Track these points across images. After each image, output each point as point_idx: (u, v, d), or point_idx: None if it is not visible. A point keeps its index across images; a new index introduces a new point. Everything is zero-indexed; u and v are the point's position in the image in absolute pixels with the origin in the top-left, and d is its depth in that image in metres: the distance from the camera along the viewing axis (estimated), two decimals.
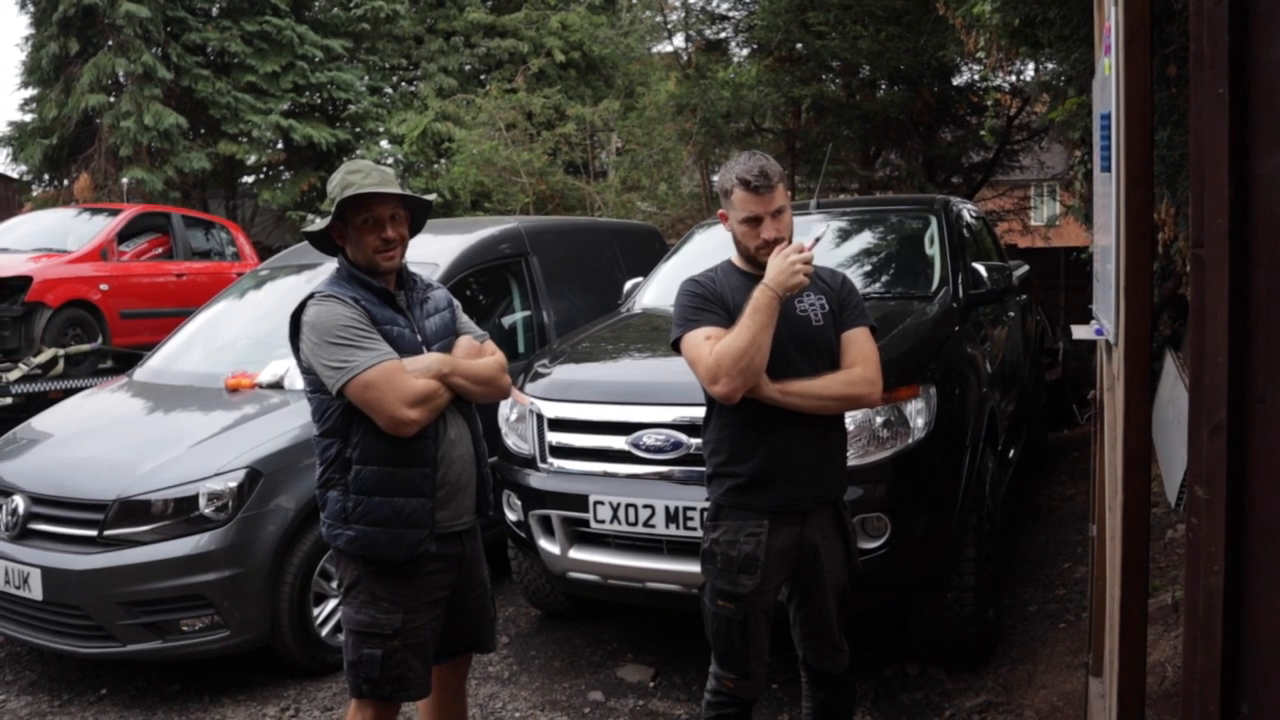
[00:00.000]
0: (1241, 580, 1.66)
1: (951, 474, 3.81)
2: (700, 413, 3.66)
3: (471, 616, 2.90)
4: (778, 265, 2.60)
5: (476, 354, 2.82)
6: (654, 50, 16.36)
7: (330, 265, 3.01)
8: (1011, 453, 5.61)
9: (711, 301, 2.74)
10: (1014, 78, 11.29)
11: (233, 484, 4.04)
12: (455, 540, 2.77)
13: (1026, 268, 8.08)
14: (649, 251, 7.73)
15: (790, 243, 2.72)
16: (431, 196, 2.94)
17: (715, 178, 15.58)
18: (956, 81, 11.63)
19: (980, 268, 4.95)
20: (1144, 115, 1.80)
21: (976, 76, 11.60)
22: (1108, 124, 2.03)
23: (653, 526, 3.74)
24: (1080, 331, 2.50)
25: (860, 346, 2.77)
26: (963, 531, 3.85)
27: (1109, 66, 2.01)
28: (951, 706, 3.77)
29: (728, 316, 2.70)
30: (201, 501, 3.98)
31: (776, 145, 12.27)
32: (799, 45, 11.04)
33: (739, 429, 2.74)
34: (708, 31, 12.99)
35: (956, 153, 11.74)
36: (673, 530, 3.70)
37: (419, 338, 2.73)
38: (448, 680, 2.98)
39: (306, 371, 2.69)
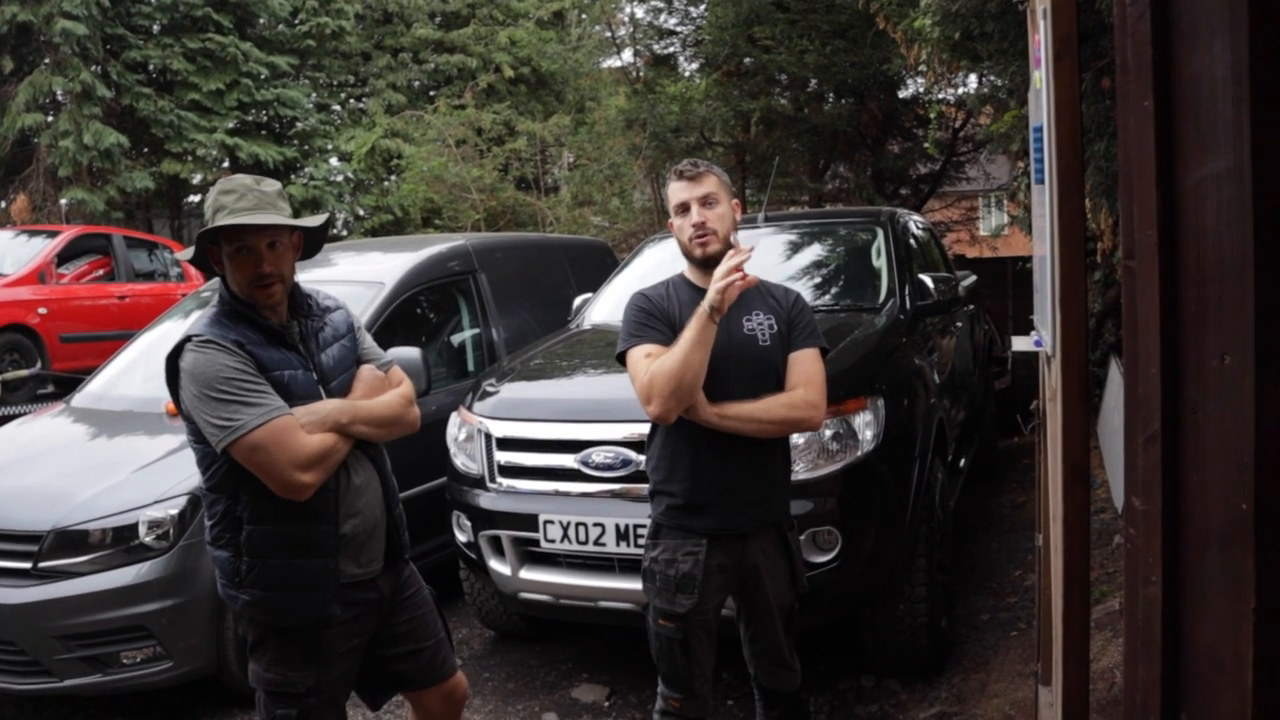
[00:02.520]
0: (1179, 589, 1.67)
1: (901, 485, 3.82)
2: (650, 428, 3.69)
3: (416, 645, 2.65)
4: (712, 281, 2.54)
5: (380, 387, 2.54)
6: (603, 65, 16.39)
7: None
8: (962, 462, 5.66)
9: (656, 317, 2.72)
10: (956, 90, 11.50)
11: (174, 511, 3.94)
12: (368, 586, 2.51)
13: (974, 278, 8.18)
14: (599, 267, 7.71)
15: (717, 237, 2.70)
16: (322, 218, 2.66)
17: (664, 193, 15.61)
18: (902, 94, 11.78)
19: (927, 279, 4.99)
20: (1074, 128, 1.81)
21: (921, 89, 11.75)
22: (1041, 136, 2.05)
23: (603, 545, 3.70)
24: (1020, 343, 2.53)
25: (805, 368, 2.74)
26: (914, 542, 3.86)
27: (1039, 80, 2.03)
28: (906, 717, 3.78)
29: (672, 333, 2.69)
30: (141, 530, 3.88)
31: (726, 159, 12.33)
32: (747, 59, 11.12)
33: (678, 448, 2.72)
34: (656, 46, 13.04)
35: (904, 164, 11.88)
36: (624, 548, 3.67)
37: (314, 376, 2.44)
38: (436, 710, 2.78)
39: (187, 419, 2.37)
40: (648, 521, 3.56)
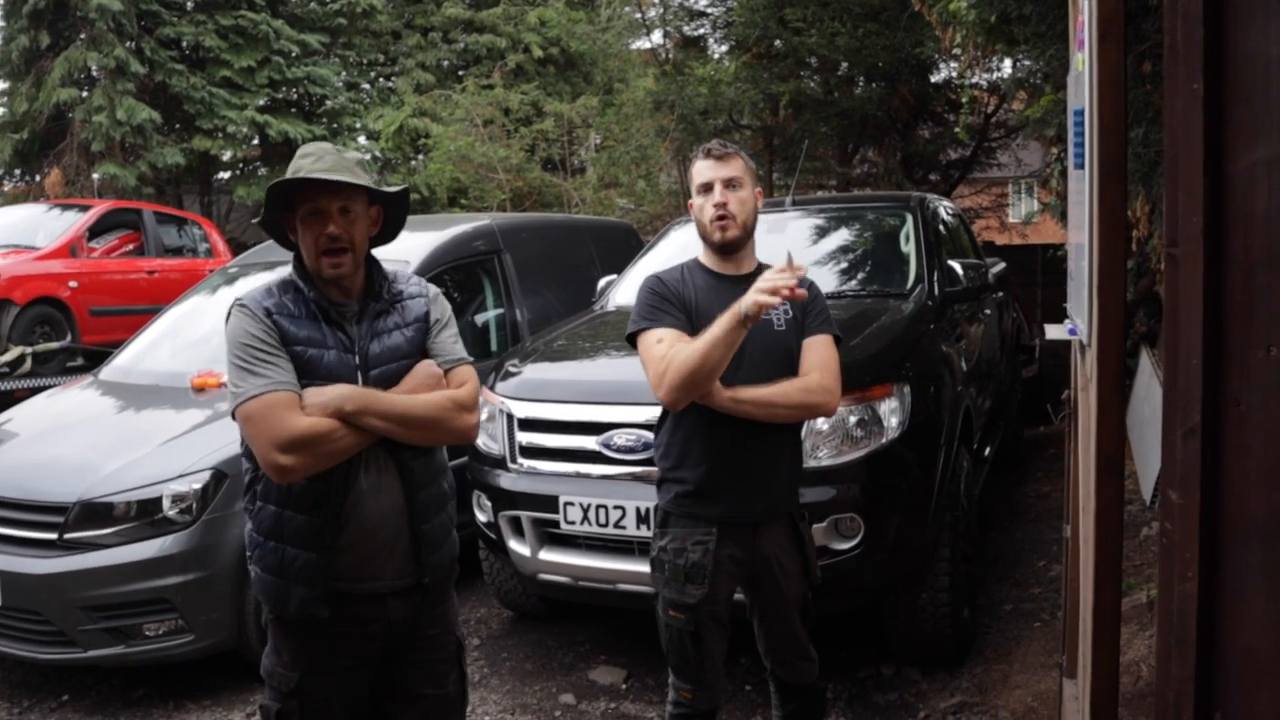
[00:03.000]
0: (1215, 586, 1.63)
1: (926, 473, 3.77)
2: None
3: (417, 691, 2.41)
4: (756, 287, 2.42)
5: (431, 385, 2.31)
6: (632, 46, 16.29)
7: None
8: (987, 450, 5.60)
9: (670, 301, 2.68)
10: (990, 75, 11.33)
11: (197, 485, 3.96)
12: (373, 602, 2.31)
13: (1003, 265, 8.07)
14: (624, 249, 7.67)
15: (736, 224, 2.65)
16: (401, 187, 2.48)
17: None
18: (934, 78, 11.62)
19: (956, 265, 4.93)
20: (1117, 111, 1.76)
21: (954, 74, 11.59)
22: (1081, 120, 2.00)
23: (623, 528, 3.69)
24: (1054, 331, 2.48)
25: (819, 353, 2.69)
26: (937, 531, 3.82)
27: (1082, 62, 1.97)
28: (926, 707, 3.74)
29: (687, 318, 2.65)
30: (165, 503, 3.90)
31: (754, 142, 12.22)
32: (777, 42, 10.99)
33: (689, 434, 2.67)
34: (686, 28, 12.92)
35: (934, 150, 11.73)
36: (644, 531, 3.64)
37: (354, 360, 2.28)
38: None
39: None
40: None
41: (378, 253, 2.43)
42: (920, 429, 3.74)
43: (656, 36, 13.30)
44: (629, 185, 15.28)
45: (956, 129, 9.66)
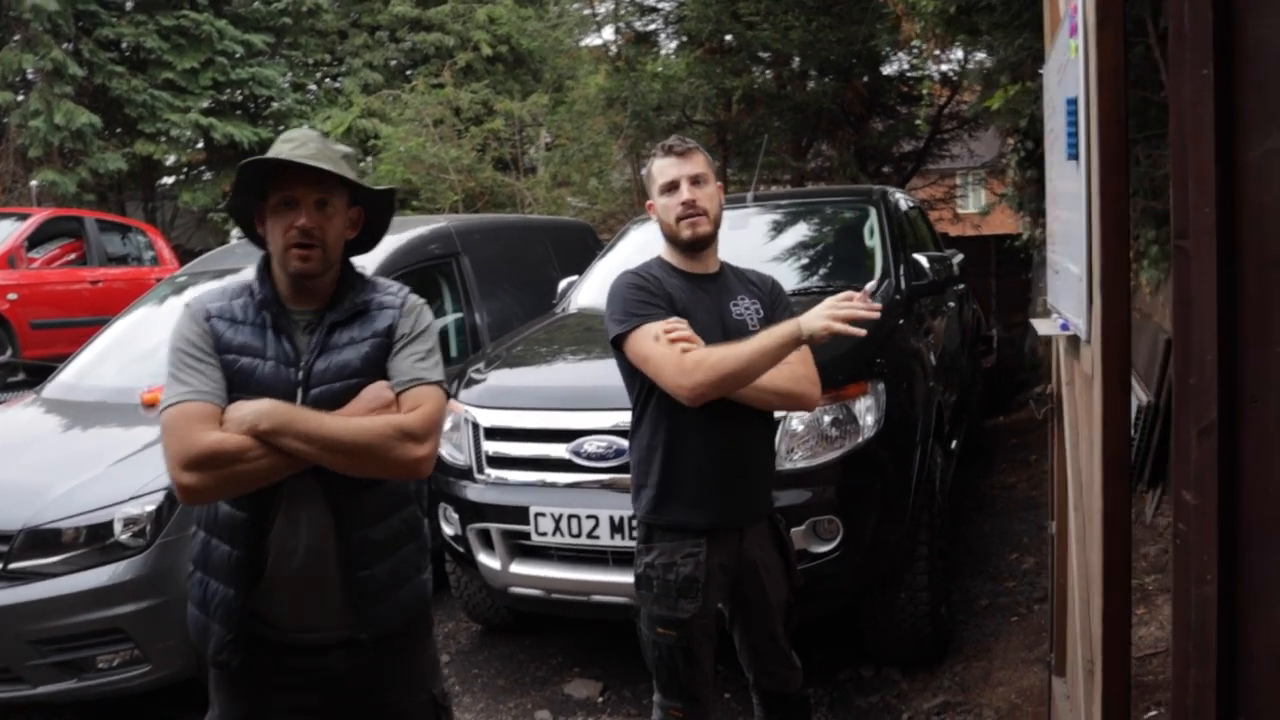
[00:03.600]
0: (1234, 589, 1.57)
1: (902, 472, 3.72)
2: None
3: None
4: (819, 309, 2.32)
5: (376, 407, 2.02)
6: (583, 43, 16.15)
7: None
8: (954, 444, 5.58)
9: (658, 296, 2.57)
10: (944, 67, 11.39)
11: (150, 508, 3.78)
12: (308, 654, 2.07)
13: (962, 256, 8.10)
14: (582, 248, 7.58)
15: (708, 219, 2.58)
16: (388, 186, 2.25)
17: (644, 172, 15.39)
18: (887, 71, 11.64)
19: (922, 258, 4.89)
20: (1118, 99, 1.69)
21: (907, 66, 11.63)
22: (1074, 109, 1.93)
23: (597, 538, 3.59)
24: (1044, 327, 2.41)
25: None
26: (915, 529, 3.77)
27: (1075, 49, 1.91)
28: (909, 709, 3.69)
29: (674, 313, 2.55)
30: (117, 527, 3.72)
31: (708, 137, 12.16)
32: (728, 36, 10.94)
33: (669, 439, 2.56)
34: (637, 23, 12.83)
35: (888, 142, 11.75)
36: (618, 541, 3.55)
37: (297, 374, 2.03)
38: None
39: None
40: None
41: None
42: (896, 426, 3.68)
43: (608, 33, 13.18)
44: (581, 184, 15.14)
45: (917, 120, 9.68)
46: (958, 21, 5.32)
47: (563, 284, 5.66)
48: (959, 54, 10.76)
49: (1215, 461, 1.55)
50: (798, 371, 2.54)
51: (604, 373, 3.92)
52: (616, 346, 2.59)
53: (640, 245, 5.69)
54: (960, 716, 3.58)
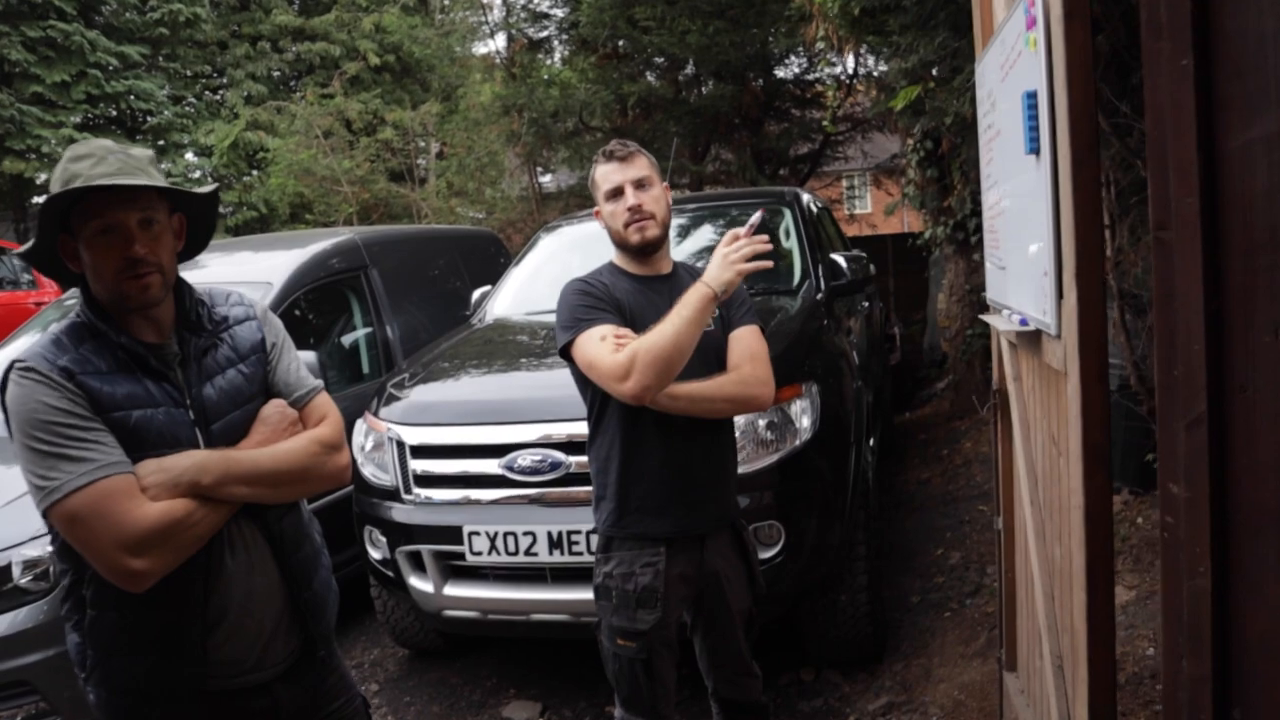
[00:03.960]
0: (1226, 579, 1.57)
1: (839, 472, 3.71)
2: (578, 428, 3.46)
3: None
4: (716, 260, 2.34)
5: (288, 429, 1.93)
6: (474, 51, 15.92)
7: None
8: (872, 441, 5.63)
9: (605, 301, 2.49)
10: (837, 70, 11.59)
11: (52, 547, 3.48)
12: (257, 695, 1.96)
13: (865, 255, 8.23)
14: (489, 258, 7.44)
15: (655, 221, 2.52)
16: (210, 186, 2.00)
17: (546, 179, 15.31)
18: (781, 74, 11.77)
19: (839, 258, 4.91)
20: (1087, 92, 1.68)
21: (799, 69, 11.78)
22: (1034, 102, 1.92)
23: (535, 555, 3.47)
24: (999, 322, 2.41)
25: (748, 344, 2.56)
26: (854, 530, 3.76)
27: (1033, 42, 1.89)
28: (854, 710, 3.68)
29: (624, 319, 2.47)
30: (15, 571, 3.43)
31: (605, 143, 12.09)
32: (622, 42, 10.91)
33: (628, 448, 2.49)
34: (530, 30, 12.69)
35: (785, 145, 11.89)
36: (557, 557, 3.45)
37: (188, 415, 1.85)
38: None
39: None
40: (582, 527, 3.40)
41: (244, 273, 2.04)
42: (830, 427, 3.66)
43: (499, 40, 13.00)
44: (476, 193, 14.92)
45: (824, 122, 9.80)
46: (862, 23, 5.36)
47: (476, 294, 5.53)
48: (853, 58, 10.99)
49: (1205, 452, 1.54)
50: (745, 375, 2.49)
51: (533, 384, 3.86)
52: (565, 356, 2.49)
53: (549, 253, 5.61)
54: (905, 716, 3.58)
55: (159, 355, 1.86)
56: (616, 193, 2.50)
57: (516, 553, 3.48)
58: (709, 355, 2.51)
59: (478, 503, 3.58)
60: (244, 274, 5.08)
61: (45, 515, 1.73)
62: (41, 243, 1.82)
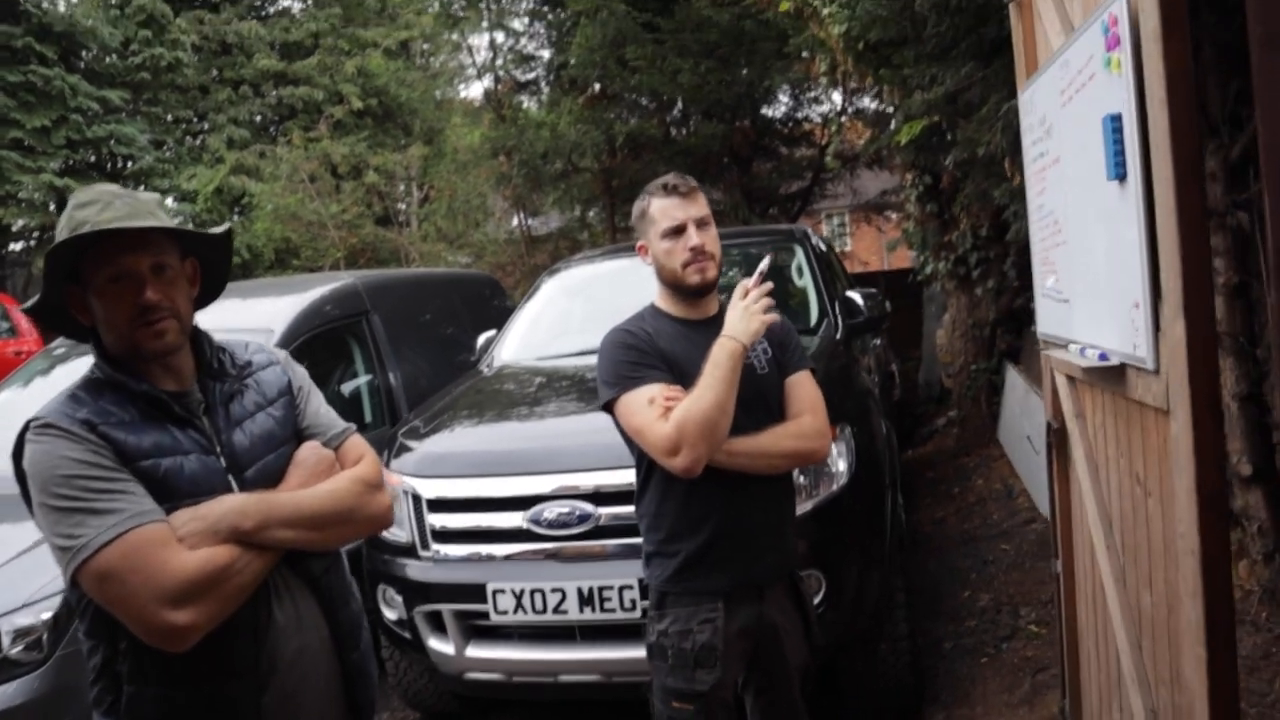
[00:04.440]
0: None
1: (876, 517, 3.57)
2: (610, 478, 3.32)
3: None
4: (737, 313, 2.27)
5: (325, 471, 1.84)
6: (461, 94, 15.92)
7: None
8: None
9: (650, 354, 2.35)
10: (824, 108, 11.61)
11: (47, 614, 3.29)
12: None
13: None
14: (489, 302, 7.31)
15: (715, 263, 2.42)
16: (223, 227, 1.93)
17: (533, 221, 15.20)
18: (770, 113, 11.78)
19: (856, 296, 4.81)
20: (1190, 111, 1.57)
21: (787, 108, 11.78)
22: (1118, 126, 1.81)
23: (565, 612, 3.29)
24: (1064, 357, 2.27)
25: (807, 393, 2.46)
26: (892, 576, 3.61)
27: (1117, 63, 1.79)
28: None
29: (670, 372, 2.33)
30: (5, 641, 3.22)
31: (595, 184, 12.07)
32: (612, 82, 10.89)
33: (683, 499, 2.36)
34: (516, 72, 12.67)
35: (776, 183, 11.87)
36: (587, 614, 3.27)
37: (220, 462, 1.76)
38: None
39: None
40: (615, 581, 3.24)
41: (244, 320, 1.93)
42: (866, 470, 3.52)
43: (487, 82, 12.96)
44: (465, 236, 14.81)
45: (827, 158, 9.77)
46: (866, 57, 5.30)
47: (481, 339, 5.39)
48: (842, 95, 11.01)
49: None
50: (804, 427, 2.39)
51: (556, 432, 3.71)
52: (608, 412, 2.35)
53: (557, 296, 5.49)
54: None
55: (182, 403, 1.76)
56: (677, 230, 2.36)
57: (545, 610, 3.30)
58: (761, 400, 2.38)
59: (501, 558, 3.41)
60: (243, 321, 4.90)
61: (74, 581, 1.59)
62: (49, 295, 1.74)
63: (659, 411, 2.21)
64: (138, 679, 1.67)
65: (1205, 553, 1.61)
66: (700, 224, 2.37)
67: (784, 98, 11.75)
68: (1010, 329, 7.75)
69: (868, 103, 9.38)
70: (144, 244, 1.69)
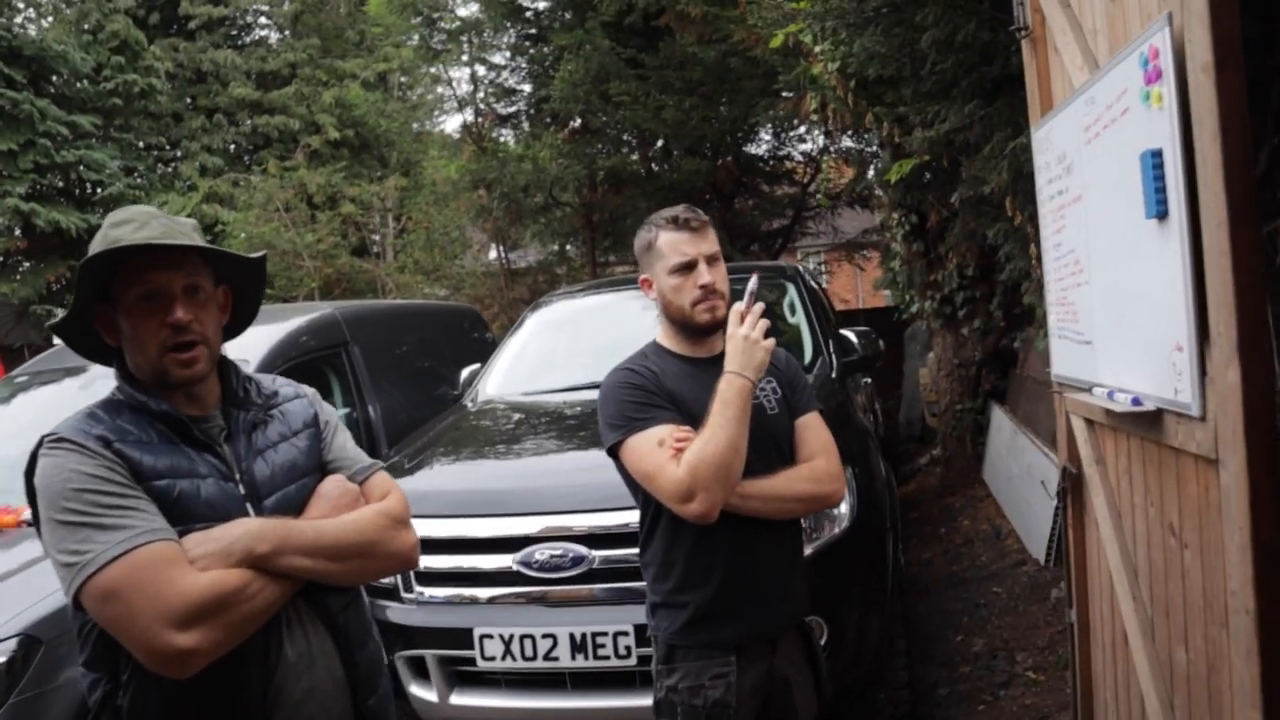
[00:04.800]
0: None
1: (878, 561, 3.47)
2: (600, 519, 3.21)
3: None
4: (737, 345, 2.16)
5: (349, 505, 1.78)
6: (441, 126, 15.87)
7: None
8: None
9: (657, 394, 2.24)
10: (806, 146, 11.66)
11: (1, 659, 3.12)
12: None
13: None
14: (471, 334, 7.19)
15: (724, 300, 2.31)
16: (260, 253, 1.92)
17: (512, 254, 15.10)
18: (754, 150, 11.80)
19: (850, 334, 4.75)
20: (1245, 146, 1.50)
21: (770, 145, 11.81)
22: (1159, 162, 1.74)
23: (555, 659, 3.16)
24: (1105, 402, 2.19)
25: (818, 435, 2.35)
26: (892, 622, 3.51)
27: (1158, 97, 1.72)
28: None
29: (679, 412, 2.23)
30: None
31: (575, 219, 12.02)
32: (595, 117, 10.86)
33: (692, 546, 2.23)
34: (498, 106, 12.64)
35: (757, 220, 11.87)
36: (580, 661, 3.14)
37: (240, 489, 1.71)
38: None
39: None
40: (608, 629, 3.12)
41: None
42: (866, 513, 3.43)
43: (468, 114, 12.90)
44: (444, 268, 14.68)
45: (818, 195, 9.76)
46: (860, 93, 5.28)
47: (465, 373, 5.27)
48: (823, 135, 11.04)
49: None
50: (818, 470, 2.28)
51: (547, 470, 3.59)
52: (611, 455, 2.24)
53: (542, 330, 5.39)
54: None
55: (203, 427, 1.74)
56: (687, 267, 2.25)
57: (535, 657, 3.16)
58: (772, 441, 2.27)
59: (489, 602, 3.27)
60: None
61: (76, 601, 1.53)
62: (77, 310, 1.69)
63: (669, 454, 2.10)
64: (138, 713, 1.58)
65: (1262, 611, 1.52)
66: (711, 260, 2.26)
67: (766, 135, 11.80)
68: (995, 369, 7.72)
69: (848, 142, 9.39)
70: (178, 264, 1.67)
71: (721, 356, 2.35)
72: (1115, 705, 2.50)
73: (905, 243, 7.56)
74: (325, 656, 1.73)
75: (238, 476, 1.72)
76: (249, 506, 1.71)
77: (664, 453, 2.10)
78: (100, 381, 5.16)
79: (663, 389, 2.26)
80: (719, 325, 2.29)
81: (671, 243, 2.26)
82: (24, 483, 1.66)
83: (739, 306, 2.23)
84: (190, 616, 1.49)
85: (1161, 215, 1.76)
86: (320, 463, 1.86)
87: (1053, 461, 5.54)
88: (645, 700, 3.18)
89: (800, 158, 11.73)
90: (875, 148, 7.64)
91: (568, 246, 12.93)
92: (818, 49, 5.28)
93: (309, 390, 1.99)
